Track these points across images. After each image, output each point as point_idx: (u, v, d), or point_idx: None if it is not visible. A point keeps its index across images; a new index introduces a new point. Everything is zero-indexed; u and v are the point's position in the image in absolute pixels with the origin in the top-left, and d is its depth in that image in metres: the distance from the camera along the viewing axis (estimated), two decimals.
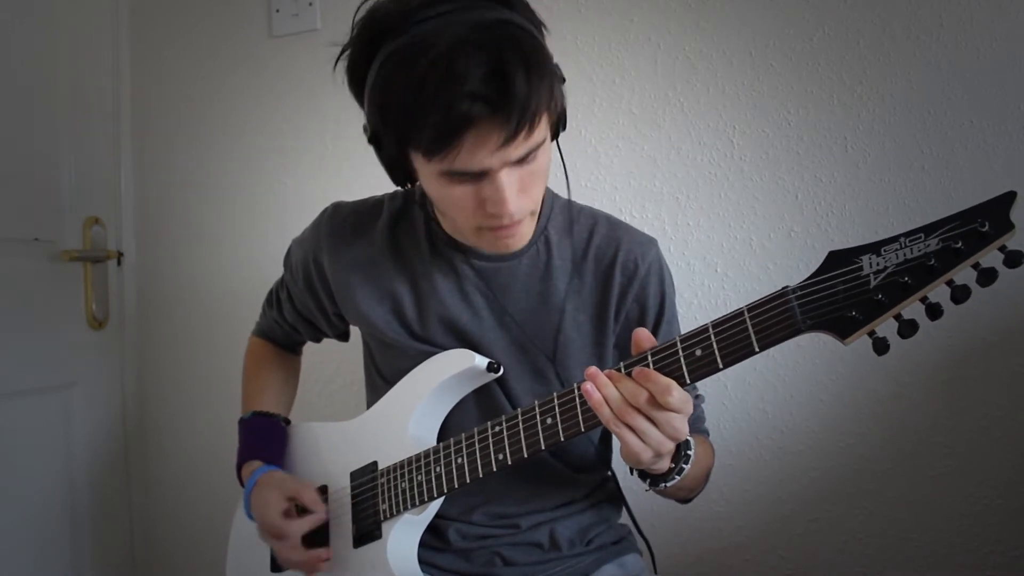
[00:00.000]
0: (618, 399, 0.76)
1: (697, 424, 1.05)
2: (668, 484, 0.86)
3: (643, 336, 0.81)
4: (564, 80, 0.86)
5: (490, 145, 0.78)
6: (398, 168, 0.88)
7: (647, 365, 0.78)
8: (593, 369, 0.79)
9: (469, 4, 0.78)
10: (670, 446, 0.78)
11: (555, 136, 0.88)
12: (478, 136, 0.77)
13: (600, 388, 0.78)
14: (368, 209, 1.06)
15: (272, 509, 0.99)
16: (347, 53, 0.85)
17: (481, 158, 0.79)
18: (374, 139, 0.86)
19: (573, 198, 1.04)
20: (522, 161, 0.82)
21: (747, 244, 1.42)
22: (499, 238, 0.88)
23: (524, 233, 0.91)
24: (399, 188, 1.06)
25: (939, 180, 1.32)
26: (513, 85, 0.75)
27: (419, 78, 0.75)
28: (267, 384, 1.18)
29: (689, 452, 0.86)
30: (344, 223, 1.04)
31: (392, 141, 0.83)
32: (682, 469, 0.85)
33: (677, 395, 0.75)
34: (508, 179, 0.82)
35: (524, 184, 0.84)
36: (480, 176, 0.81)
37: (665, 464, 0.83)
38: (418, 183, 0.92)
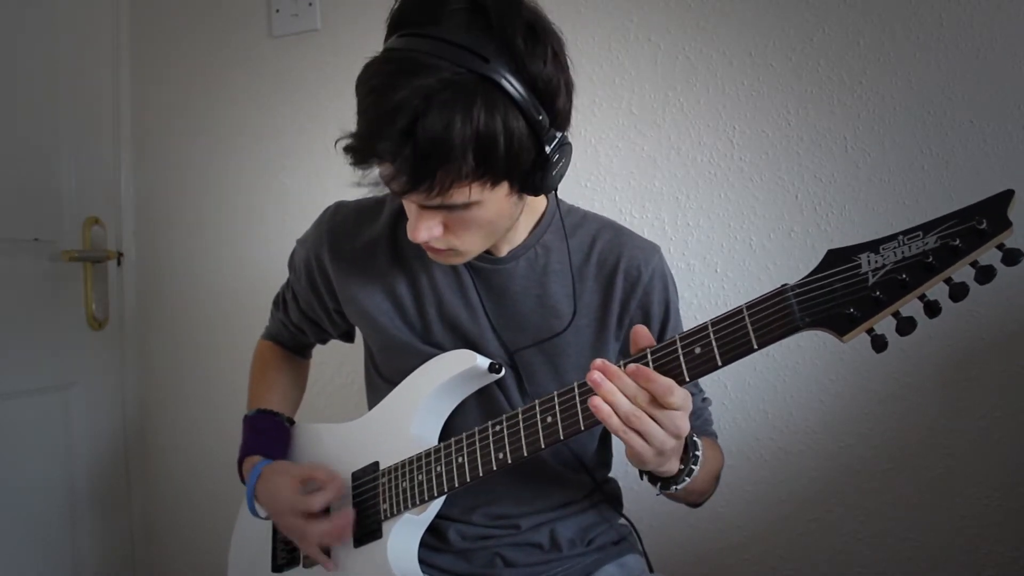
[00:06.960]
0: (626, 405, 0.75)
1: (705, 427, 1.05)
2: (679, 487, 0.85)
3: (642, 334, 0.80)
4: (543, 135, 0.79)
5: (395, 184, 0.78)
6: None
7: (647, 364, 0.78)
8: (601, 361, 0.77)
9: (452, 34, 0.74)
10: (672, 443, 0.77)
11: (522, 190, 0.84)
12: (387, 169, 0.78)
13: (607, 394, 0.76)
14: (370, 208, 1.06)
15: (287, 491, 0.98)
16: None
17: (392, 185, 0.79)
18: None
19: (573, 199, 1.04)
20: (440, 207, 0.81)
21: (747, 244, 1.42)
22: (428, 252, 0.90)
23: (459, 256, 0.90)
24: None
25: (939, 180, 1.32)
26: (417, 149, 0.73)
27: (366, 90, 0.76)
28: (273, 384, 1.18)
29: (697, 453, 0.86)
30: (346, 221, 1.05)
31: None
32: (691, 470, 0.85)
33: (679, 394, 0.75)
34: (420, 211, 0.82)
35: (451, 225, 0.84)
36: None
37: (674, 466, 0.83)
38: None
